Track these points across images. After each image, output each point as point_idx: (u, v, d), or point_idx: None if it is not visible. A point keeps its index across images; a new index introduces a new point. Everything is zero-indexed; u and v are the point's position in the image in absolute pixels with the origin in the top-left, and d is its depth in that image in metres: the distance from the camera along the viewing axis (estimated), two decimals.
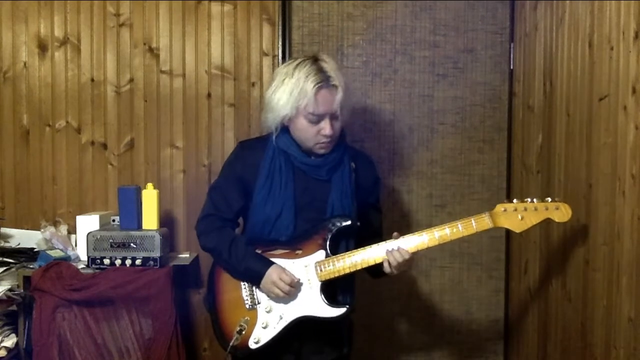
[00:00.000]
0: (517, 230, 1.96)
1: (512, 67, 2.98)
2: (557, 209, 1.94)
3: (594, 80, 2.13)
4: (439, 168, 3.02)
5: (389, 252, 1.96)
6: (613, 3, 2.00)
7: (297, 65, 2.00)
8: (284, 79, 2.00)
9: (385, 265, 1.99)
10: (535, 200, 1.96)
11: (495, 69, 3.00)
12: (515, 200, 1.97)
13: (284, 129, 2.07)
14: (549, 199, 1.96)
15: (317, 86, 1.95)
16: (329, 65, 1.99)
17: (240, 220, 2.18)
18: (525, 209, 1.95)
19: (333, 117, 1.99)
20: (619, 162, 1.95)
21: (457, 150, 3.02)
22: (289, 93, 1.97)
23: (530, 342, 2.76)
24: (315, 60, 2.01)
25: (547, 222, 1.99)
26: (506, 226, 1.96)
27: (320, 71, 1.97)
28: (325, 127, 1.98)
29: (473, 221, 1.95)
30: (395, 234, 2.01)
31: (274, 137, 2.07)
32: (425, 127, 3.00)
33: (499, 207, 1.96)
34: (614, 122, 1.99)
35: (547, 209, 1.94)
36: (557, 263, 2.46)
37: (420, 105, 3.00)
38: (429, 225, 2.95)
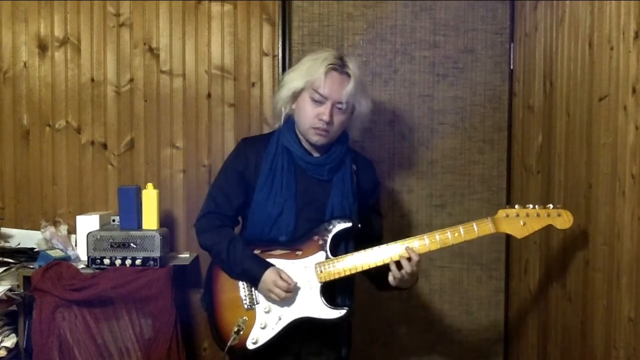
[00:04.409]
0: (519, 236, 1.96)
1: (512, 67, 2.98)
2: (558, 215, 1.94)
3: (594, 80, 2.13)
4: (439, 168, 3.02)
5: (402, 257, 1.92)
6: (613, 3, 2.00)
7: (321, 51, 2.08)
8: (304, 60, 2.08)
9: (392, 274, 1.95)
10: (537, 206, 1.95)
11: (495, 69, 3.00)
12: (517, 206, 1.96)
13: (288, 123, 2.09)
14: (551, 205, 1.95)
15: (329, 66, 1.98)
16: (351, 62, 2.03)
17: (240, 219, 2.18)
18: (527, 215, 1.94)
19: (337, 106, 1.99)
20: (619, 162, 1.95)
21: (457, 150, 3.02)
22: (304, 68, 2.03)
23: (530, 342, 2.76)
24: (340, 54, 2.06)
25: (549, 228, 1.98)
26: (508, 232, 1.96)
27: (339, 58, 2.02)
28: (325, 112, 1.97)
29: (475, 226, 1.94)
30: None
31: (282, 121, 2.10)
32: (425, 127, 3.00)
33: (501, 213, 1.96)
34: (614, 122, 1.99)
35: (548, 215, 1.94)
36: (557, 263, 2.46)
37: (420, 105, 3.00)
38: (429, 225, 2.99)
